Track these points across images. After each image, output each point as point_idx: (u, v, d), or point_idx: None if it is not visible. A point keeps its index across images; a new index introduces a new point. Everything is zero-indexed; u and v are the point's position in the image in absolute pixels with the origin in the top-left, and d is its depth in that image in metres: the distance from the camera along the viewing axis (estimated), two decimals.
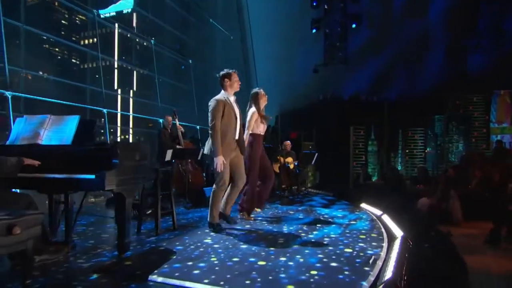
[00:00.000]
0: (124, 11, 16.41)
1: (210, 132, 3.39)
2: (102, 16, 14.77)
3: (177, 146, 5.81)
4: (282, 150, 6.92)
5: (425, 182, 7.54)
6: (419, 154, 11.07)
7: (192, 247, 2.84)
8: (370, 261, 2.47)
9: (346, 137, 10.30)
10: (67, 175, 2.31)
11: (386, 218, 4.26)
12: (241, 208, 4.17)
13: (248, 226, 3.74)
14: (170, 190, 3.60)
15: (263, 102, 4.18)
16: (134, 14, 15.96)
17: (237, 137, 3.56)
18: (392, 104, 11.46)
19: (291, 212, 4.74)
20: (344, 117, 10.98)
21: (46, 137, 2.57)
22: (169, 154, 5.39)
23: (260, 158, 4.15)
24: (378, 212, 4.73)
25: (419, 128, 11.19)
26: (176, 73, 14.03)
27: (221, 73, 3.58)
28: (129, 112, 12.30)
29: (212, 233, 3.34)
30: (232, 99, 3.56)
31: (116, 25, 14.14)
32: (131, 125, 12.90)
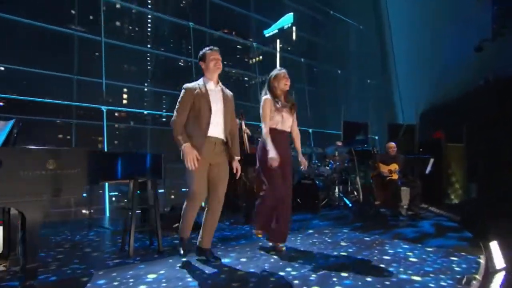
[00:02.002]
0: (285, 27, 17.15)
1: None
2: (266, 35, 15.89)
3: None
4: (375, 154, 5.22)
5: None
6: None
7: (114, 283, 2.18)
8: None
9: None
10: None
11: (497, 280, 2.36)
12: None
13: (244, 259, 2.73)
14: (156, 204, 3.02)
15: (282, 86, 3.06)
16: (294, 28, 16.52)
17: (219, 136, 2.60)
18: None
19: (343, 243, 3.31)
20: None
21: None
22: None
23: (281, 163, 3.01)
24: (500, 263, 2.73)
25: None
26: (308, 76, 13.44)
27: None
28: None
29: (178, 266, 2.55)
30: (211, 85, 2.64)
31: (278, 41, 14.90)
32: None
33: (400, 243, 3.35)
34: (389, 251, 3.04)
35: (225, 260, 2.70)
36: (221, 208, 2.65)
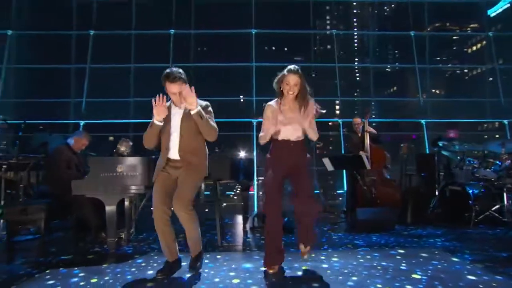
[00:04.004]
0: None
1: None
2: (492, 15, 13.40)
3: (360, 153, 4.65)
4: None
5: None
6: None
7: (142, 264, 2.70)
8: None
9: None
10: None
11: None
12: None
13: (239, 279, 2.59)
14: (216, 201, 3.33)
15: (287, 87, 2.47)
16: None
17: (172, 156, 2.49)
18: None
19: (416, 276, 2.42)
20: None
21: None
22: (327, 163, 4.59)
23: (293, 176, 2.56)
24: None
25: None
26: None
27: None
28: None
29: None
30: (180, 106, 2.51)
31: None
32: None
33: None
34: None
35: (246, 265, 2.68)
36: (188, 216, 2.43)
